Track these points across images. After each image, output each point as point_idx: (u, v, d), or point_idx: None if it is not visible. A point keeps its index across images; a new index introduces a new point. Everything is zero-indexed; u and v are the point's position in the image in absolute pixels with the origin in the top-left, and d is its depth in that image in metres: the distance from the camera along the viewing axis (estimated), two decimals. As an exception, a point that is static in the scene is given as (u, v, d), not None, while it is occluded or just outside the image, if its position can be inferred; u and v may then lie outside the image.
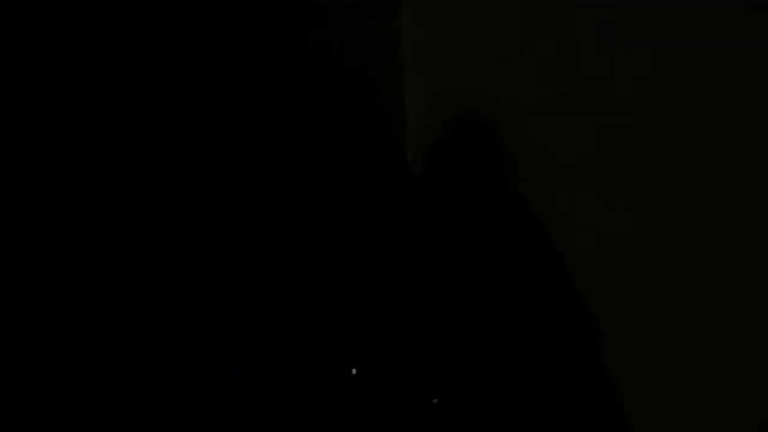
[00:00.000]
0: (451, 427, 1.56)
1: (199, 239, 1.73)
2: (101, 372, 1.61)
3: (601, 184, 1.49)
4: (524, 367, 1.61)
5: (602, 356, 1.54)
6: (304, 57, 1.82)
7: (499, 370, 1.61)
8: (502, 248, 1.71)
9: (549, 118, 1.57)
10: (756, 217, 1.24)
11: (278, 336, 1.73)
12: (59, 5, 1.53)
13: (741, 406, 1.29)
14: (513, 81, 1.64)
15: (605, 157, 1.48)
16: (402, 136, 1.93)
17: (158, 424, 1.65)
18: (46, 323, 1.56)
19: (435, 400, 1.54)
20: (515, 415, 1.59)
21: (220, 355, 1.72)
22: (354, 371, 1.56)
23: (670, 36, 1.31)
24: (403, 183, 1.79)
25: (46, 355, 1.56)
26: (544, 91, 1.57)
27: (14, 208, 1.52)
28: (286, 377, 1.70)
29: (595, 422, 1.54)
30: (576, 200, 1.54)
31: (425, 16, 1.87)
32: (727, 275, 1.29)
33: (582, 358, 1.56)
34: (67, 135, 1.57)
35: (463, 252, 1.72)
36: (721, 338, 1.32)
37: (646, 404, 1.44)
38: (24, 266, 1.54)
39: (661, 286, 1.41)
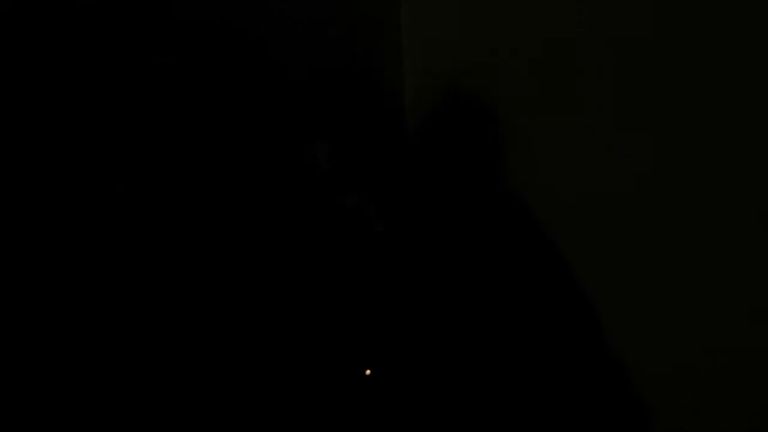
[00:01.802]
0: (453, 423, 1.56)
1: (203, 232, 1.73)
2: (101, 370, 1.61)
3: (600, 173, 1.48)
4: (525, 358, 1.61)
5: (604, 345, 1.55)
6: (302, 35, 1.82)
7: (499, 363, 1.62)
8: (499, 240, 1.71)
9: (546, 100, 1.57)
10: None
11: (278, 334, 1.74)
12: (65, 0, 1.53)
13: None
14: (512, 52, 1.64)
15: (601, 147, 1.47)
16: (401, 108, 1.94)
17: (158, 423, 1.65)
18: (46, 323, 1.56)
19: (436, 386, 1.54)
20: (517, 407, 1.59)
21: (220, 354, 1.73)
22: (368, 372, 1.56)
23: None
24: (401, 155, 1.79)
25: (45, 355, 1.56)
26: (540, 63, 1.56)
27: (15, 206, 1.52)
28: (287, 376, 1.70)
29: (598, 411, 1.55)
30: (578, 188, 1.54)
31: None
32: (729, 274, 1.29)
33: (584, 349, 1.57)
34: (73, 132, 1.57)
35: (462, 237, 1.72)
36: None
37: (655, 376, 1.44)
38: (24, 266, 1.53)
39: (660, 285, 1.40)
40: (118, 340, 1.63)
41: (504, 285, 1.69)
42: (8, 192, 1.51)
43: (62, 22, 1.54)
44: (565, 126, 1.54)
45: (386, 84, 1.96)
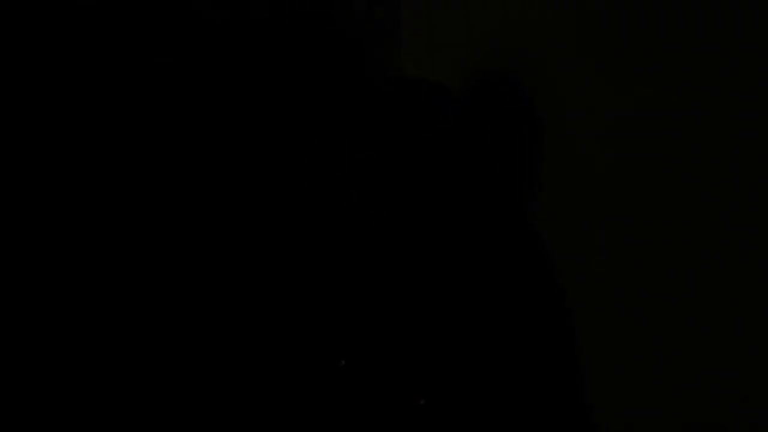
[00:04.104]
0: (438, 428, 1.56)
1: (203, 232, 1.73)
2: (101, 372, 1.61)
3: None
4: (514, 366, 1.61)
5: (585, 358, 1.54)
6: (300, 34, 1.82)
7: (487, 371, 1.62)
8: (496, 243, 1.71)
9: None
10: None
11: (277, 333, 1.74)
12: None
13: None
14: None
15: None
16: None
17: (158, 423, 1.65)
18: (46, 323, 1.56)
19: (422, 401, 1.54)
20: (503, 417, 1.59)
21: (220, 353, 1.73)
22: (343, 362, 1.56)
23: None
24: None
25: (45, 354, 1.56)
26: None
27: (14, 206, 1.52)
28: (285, 376, 1.70)
29: (584, 415, 1.55)
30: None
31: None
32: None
33: (570, 357, 1.57)
34: (73, 132, 1.57)
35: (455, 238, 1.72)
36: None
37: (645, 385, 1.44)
38: (24, 267, 1.54)
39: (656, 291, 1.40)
40: (115, 339, 1.63)
41: (504, 287, 1.69)
42: (8, 192, 1.51)
43: (62, 22, 1.54)
44: (567, 124, 1.54)
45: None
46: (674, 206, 1.34)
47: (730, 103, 1.23)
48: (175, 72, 1.68)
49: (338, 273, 1.70)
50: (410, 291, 1.63)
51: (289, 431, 1.67)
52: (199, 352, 1.71)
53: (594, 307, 1.54)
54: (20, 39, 1.50)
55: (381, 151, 1.64)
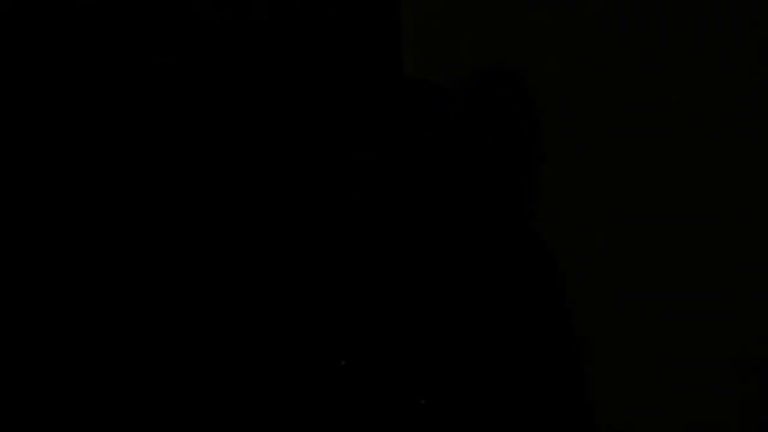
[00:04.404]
0: (438, 427, 1.56)
1: (203, 232, 1.73)
2: (101, 372, 1.61)
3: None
4: (513, 368, 1.61)
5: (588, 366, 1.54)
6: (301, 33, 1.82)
7: (487, 371, 1.61)
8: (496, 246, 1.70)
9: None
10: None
11: (277, 334, 1.74)
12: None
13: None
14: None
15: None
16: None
17: (158, 423, 1.65)
18: (47, 323, 1.56)
19: (422, 401, 1.54)
20: (503, 417, 1.59)
21: (218, 353, 1.73)
22: (343, 362, 1.56)
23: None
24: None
25: (46, 354, 1.56)
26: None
27: (15, 206, 1.52)
28: (285, 376, 1.70)
29: (582, 418, 1.54)
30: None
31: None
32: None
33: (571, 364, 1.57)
34: (73, 132, 1.57)
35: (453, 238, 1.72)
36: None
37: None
38: (25, 266, 1.54)
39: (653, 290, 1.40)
40: (118, 339, 1.63)
41: (504, 287, 1.69)
42: (8, 192, 1.51)
43: (62, 22, 1.54)
44: (567, 124, 1.54)
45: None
46: (674, 206, 1.34)
47: (730, 103, 1.23)
48: (175, 72, 1.68)
49: (338, 273, 1.69)
50: (410, 291, 1.63)
51: (289, 431, 1.67)
52: (200, 352, 1.71)
53: (594, 307, 1.54)
54: (20, 39, 1.50)
55: (381, 151, 1.64)
